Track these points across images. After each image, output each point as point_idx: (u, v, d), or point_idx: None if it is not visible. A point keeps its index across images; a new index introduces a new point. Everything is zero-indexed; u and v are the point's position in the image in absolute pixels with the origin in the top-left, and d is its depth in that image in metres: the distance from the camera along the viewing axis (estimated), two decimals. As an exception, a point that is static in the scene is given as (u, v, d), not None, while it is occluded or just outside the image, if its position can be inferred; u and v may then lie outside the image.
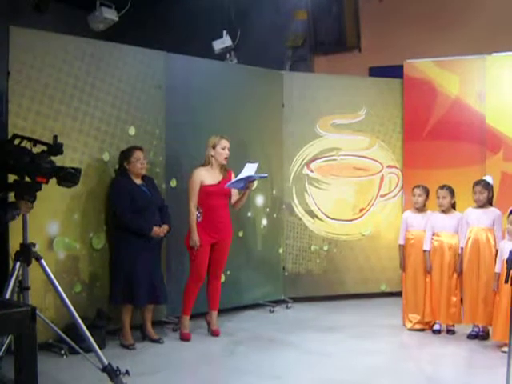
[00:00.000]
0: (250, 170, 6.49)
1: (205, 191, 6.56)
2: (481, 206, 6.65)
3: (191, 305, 6.68)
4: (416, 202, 7.03)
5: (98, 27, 9.55)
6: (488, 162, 7.99)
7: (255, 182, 7.04)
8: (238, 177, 6.47)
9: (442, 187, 6.86)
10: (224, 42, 9.90)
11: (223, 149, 6.63)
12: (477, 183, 6.69)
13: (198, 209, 6.55)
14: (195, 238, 6.52)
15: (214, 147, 6.64)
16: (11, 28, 5.91)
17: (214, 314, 6.85)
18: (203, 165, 6.68)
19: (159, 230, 6.34)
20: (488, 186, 6.67)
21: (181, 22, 10.43)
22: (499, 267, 6.24)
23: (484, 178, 6.85)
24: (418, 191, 7.03)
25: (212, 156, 6.65)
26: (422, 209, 7.04)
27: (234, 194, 6.78)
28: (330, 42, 9.70)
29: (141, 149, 6.41)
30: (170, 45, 7.45)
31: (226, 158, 6.64)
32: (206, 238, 6.56)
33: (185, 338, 6.63)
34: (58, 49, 6.22)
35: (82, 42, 6.48)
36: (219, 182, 6.62)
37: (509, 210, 6.26)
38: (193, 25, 10.30)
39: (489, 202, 6.69)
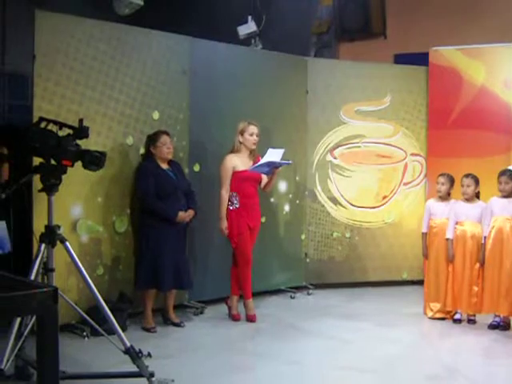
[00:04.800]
0: (274, 155, 6.49)
1: (238, 177, 6.60)
2: (506, 196, 6.60)
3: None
4: (439, 191, 6.99)
5: (124, 11, 9.53)
6: (513, 152, 7.93)
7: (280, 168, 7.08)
8: (261, 161, 6.48)
9: (467, 176, 6.81)
10: (249, 27, 9.84)
11: (251, 135, 6.65)
12: (502, 173, 6.64)
13: (234, 195, 6.60)
14: (224, 225, 6.56)
15: (242, 133, 6.66)
16: (37, 12, 5.93)
17: (249, 301, 6.86)
18: (232, 151, 6.70)
19: (185, 215, 6.35)
20: (513, 176, 6.63)
21: (206, 7, 10.41)
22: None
23: (509, 167, 6.80)
24: (442, 179, 6.99)
25: (241, 142, 6.67)
26: (445, 197, 7.00)
27: (263, 179, 6.80)
28: (356, 28, 9.65)
29: (167, 133, 6.41)
30: (194, 30, 7.44)
31: (254, 144, 6.67)
32: (243, 223, 6.62)
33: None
34: (83, 33, 6.24)
35: (107, 26, 6.50)
36: None
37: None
38: (218, 10, 10.27)
39: (513, 192, 6.65)
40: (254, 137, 6.67)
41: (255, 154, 6.71)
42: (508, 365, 5.57)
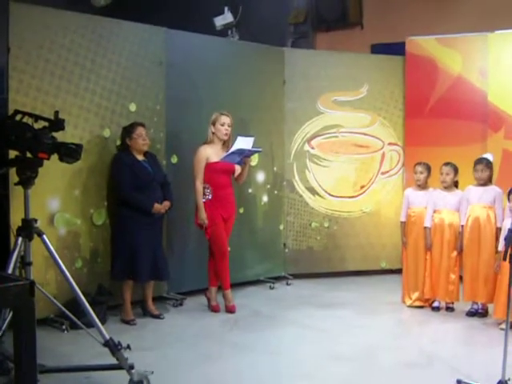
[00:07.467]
0: (244, 143, 6.54)
1: (211, 168, 6.59)
2: (482, 185, 6.64)
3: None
4: (418, 179, 7.02)
5: (99, 3, 9.51)
6: (489, 140, 7.98)
7: (252, 157, 7.09)
8: (231, 150, 6.51)
9: (447, 164, 6.85)
10: (225, 18, 9.84)
11: (222, 125, 6.64)
12: (479, 161, 6.66)
13: (207, 187, 6.59)
14: (203, 215, 6.56)
15: (214, 124, 6.66)
16: (11, 4, 5.87)
17: (228, 292, 6.88)
18: (206, 142, 6.69)
19: (160, 207, 6.35)
20: (490, 165, 6.66)
21: (182, -2, 10.38)
22: (503, 245, 6.23)
23: (484, 155, 6.84)
24: (419, 168, 7.02)
25: (213, 133, 6.67)
26: (423, 186, 7.03)
27: (237, 169, 6.79)
28: (332, 18, 9.65)
29: (143, 125, 6.40)
30: (170, 21, 7.42)
31: (226, 134, 6.66)
32: (217, 214, 6.62)
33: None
34: (58, 25, 6.19)
35: (82, 17, 6.45)
36: None
37: (508, 190, 6.23)
38: (194, 1, 10.24)
39: (489, 180, 6.68)
40: (226, 126, 6.66)
41: (229, 146, 6.70)
42: (487, 351, 5.61)
